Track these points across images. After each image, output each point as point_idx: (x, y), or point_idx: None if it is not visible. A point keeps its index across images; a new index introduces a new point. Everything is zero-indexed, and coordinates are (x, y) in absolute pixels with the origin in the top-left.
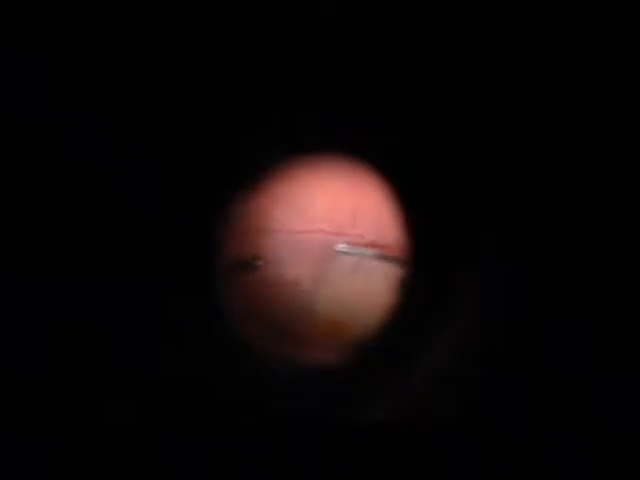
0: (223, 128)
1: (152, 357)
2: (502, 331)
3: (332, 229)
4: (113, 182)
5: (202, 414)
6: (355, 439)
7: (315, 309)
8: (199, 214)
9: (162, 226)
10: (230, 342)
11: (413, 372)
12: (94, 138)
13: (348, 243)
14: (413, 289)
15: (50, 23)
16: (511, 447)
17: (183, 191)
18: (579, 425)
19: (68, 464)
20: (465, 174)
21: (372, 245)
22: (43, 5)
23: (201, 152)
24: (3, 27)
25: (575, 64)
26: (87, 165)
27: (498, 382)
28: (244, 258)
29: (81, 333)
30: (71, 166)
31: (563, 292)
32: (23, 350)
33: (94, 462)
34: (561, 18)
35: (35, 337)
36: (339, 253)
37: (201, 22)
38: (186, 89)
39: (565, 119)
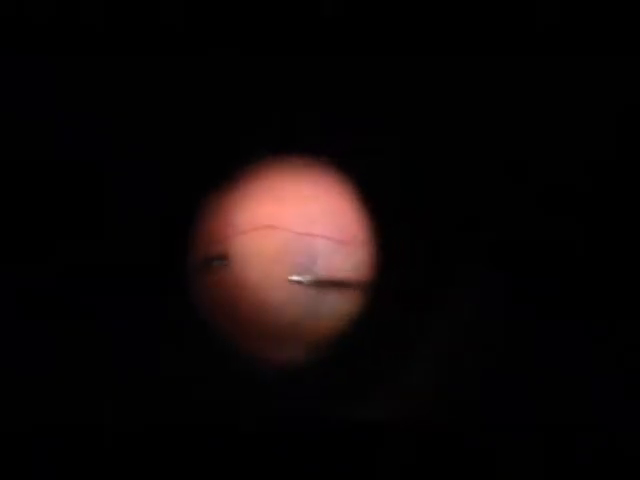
0: (220, 127)
1: (152, 357)
2: (502, 331)
3: (304, 230)
4: (113, 182)
5: (201, 414)
6: (355, 439)
7: (281, 310)
8: (198, 212)
9: (162, 226)
10: (218, 342)
11: (412, 372)
12: (94, 138)
13: (300, 273)
14: (388, 297)
15: (50, 23)
16: (511, 447)
17: (182, 190)
18: (579, 425)
19: (68, 464)
20: (465, 174)
21: (330, 267)
22: (43, 5)
23: (199, 151)
24: (3, 27)
25: (575, 64)
26: (87, 165)
27: (498, 382)
28: (210, 257)
29: (81, 333)
30: (71, 166)
31: (563, 292)
32: (23, 350)
33: (94, 462)
34: (561, 18)
35: (35, 337)
36: (292, 282)
37: (201, 22)
38: (186, 89)
39: (565, 119)
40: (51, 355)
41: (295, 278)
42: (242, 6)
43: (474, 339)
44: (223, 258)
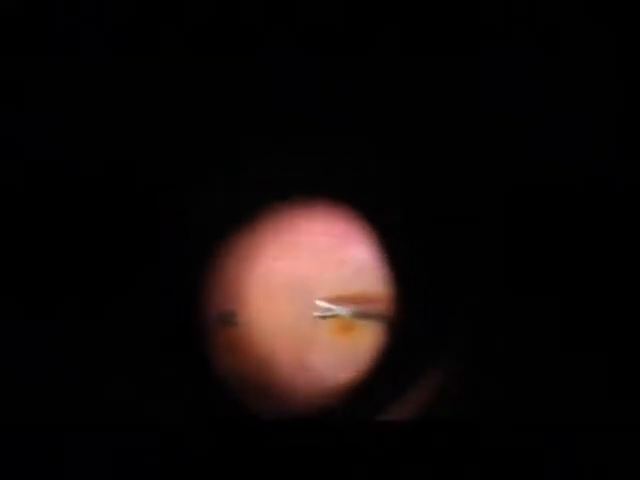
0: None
1: (152, 357)
2: (502, 331)
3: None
4: (113, 184)
5: (202, 414)
6: (356, 439)
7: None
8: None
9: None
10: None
11: (414, 374)
12: (93, 145)
13: (326, 301)
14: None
15: (50, 23)
16: (513, 447)
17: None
18: (579, 425)
19: (68, 464)
20: (464, 175)
21: (354, 300)
22: (44, 5)
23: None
24: (3, 27)
25: (575, 64)
26: (80, 170)
27: (498, 382)
28: (225, 312)
29: (82, 333)
30: (71, 170)
31: (563, 292)
32: (23, 350)
33: (94, 462)
34: (561, 18)
35: (35, 337)
36: (316, 317)
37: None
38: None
39: (564, 119)
40: (51, 355)
41: (320, 311)
42: (242, 6)
43: (476, 339)
44: (236, 315)
